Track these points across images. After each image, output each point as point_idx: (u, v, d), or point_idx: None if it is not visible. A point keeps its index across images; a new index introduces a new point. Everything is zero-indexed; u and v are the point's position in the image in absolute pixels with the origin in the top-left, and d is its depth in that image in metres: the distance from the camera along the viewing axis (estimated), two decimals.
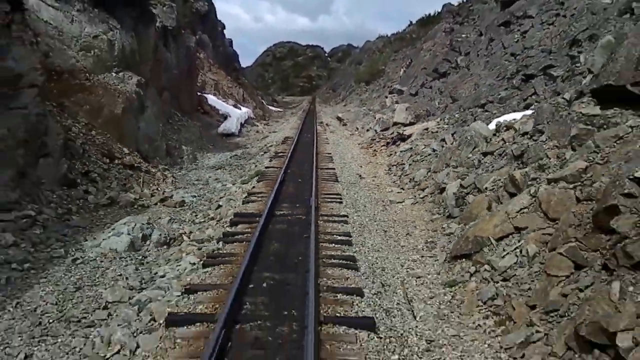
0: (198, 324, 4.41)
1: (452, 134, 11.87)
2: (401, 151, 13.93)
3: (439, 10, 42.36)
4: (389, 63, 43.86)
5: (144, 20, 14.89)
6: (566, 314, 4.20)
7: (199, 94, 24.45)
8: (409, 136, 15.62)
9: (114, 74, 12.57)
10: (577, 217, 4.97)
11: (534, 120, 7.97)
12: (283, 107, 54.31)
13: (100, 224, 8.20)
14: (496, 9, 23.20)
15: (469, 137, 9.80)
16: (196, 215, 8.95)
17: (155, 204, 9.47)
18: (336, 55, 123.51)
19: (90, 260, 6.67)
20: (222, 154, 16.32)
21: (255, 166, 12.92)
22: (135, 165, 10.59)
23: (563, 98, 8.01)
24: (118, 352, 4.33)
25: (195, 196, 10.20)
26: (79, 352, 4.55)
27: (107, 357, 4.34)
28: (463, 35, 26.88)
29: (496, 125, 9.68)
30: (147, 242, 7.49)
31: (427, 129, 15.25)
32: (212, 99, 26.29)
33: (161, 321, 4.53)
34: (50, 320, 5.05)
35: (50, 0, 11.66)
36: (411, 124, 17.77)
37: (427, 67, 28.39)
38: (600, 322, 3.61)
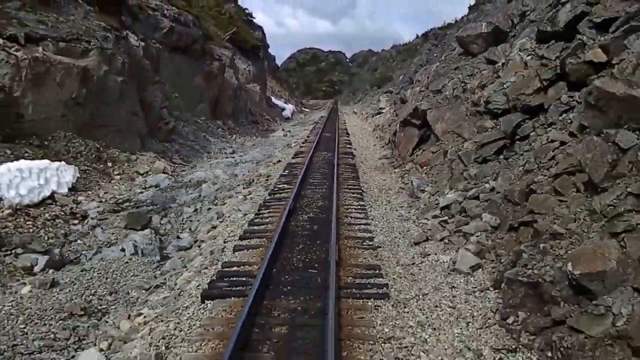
0: (308, 142, 23.90)
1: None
2: (377, 117, 33.23)
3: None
4: (396, 71, 61.91)
5: (256, 57, 34.88)
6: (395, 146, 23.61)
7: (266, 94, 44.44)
8: (383, 112, 34.89)
9: (251, 85, 32.40)
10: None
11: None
12: (310, 107, 74.15)
13: (267, 133, 27.96)
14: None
15: (393, 102, 29.10)
16: (294, 134, 28.53)
17: (280, 130, 29.15)
18: (357, 60, 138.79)
19: (275, 137, 26.44)
20: (290, 123, 36.13)
21: (311, 122, 32.70)
22: (268, 119, 30.35)
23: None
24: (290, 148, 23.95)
25: (292, 130, 29.90)
26: (283, 147, 24.11)
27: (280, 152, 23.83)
28: (434, 55, 45.75)
29: None
30: (288, 136, 27.12)
31: (392, 107, 34.47)
32: (272, 98, 46.21)
33: (292, 145, 23.83)
34: (277, 141, 24.79)
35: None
36: (387, 107, 37.02)
37: (409, 76, 47.44)
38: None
